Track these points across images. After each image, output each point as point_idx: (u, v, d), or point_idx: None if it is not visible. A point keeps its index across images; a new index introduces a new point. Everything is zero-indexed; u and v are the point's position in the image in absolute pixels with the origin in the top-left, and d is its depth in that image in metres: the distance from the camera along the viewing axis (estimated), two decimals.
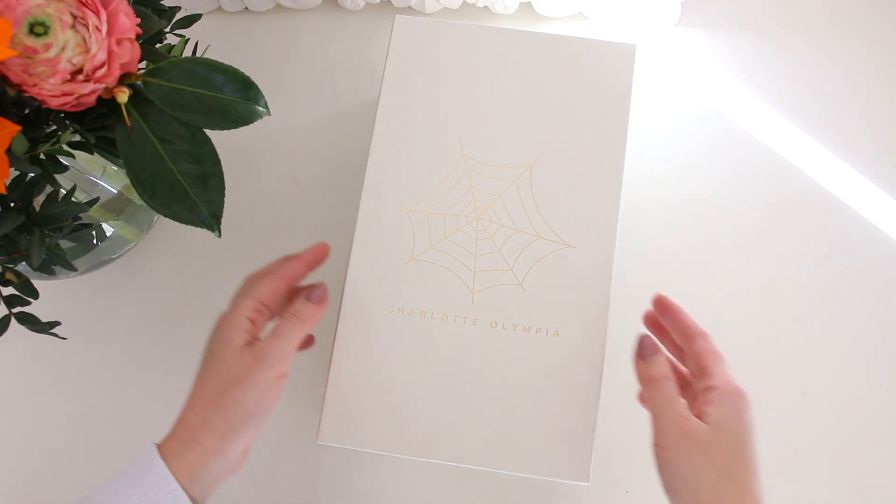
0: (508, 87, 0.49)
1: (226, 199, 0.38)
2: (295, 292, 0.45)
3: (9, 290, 0.41)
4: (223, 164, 0.38)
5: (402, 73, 0.49)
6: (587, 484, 0.42)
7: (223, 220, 0.38)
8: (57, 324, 0.42)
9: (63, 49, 0.32)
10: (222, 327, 0.42)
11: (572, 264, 0.45)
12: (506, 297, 0.45)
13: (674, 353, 0.44)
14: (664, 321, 0.43)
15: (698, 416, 0.37)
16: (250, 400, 0.39)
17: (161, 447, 0.39)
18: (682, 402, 0.39)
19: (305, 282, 0.46)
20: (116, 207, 0.54)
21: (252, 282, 0.44)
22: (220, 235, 0.38)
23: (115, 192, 0.53)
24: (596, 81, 0.48)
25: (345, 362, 0.45)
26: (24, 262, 0.40)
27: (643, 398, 0.43)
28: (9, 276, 0.40)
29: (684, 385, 0.42)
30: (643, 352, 0.41)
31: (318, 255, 0.45)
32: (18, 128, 0.32)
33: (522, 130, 0.48)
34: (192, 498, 0.38)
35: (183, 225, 0.37)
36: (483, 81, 0.49)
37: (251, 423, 0.39)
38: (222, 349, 0.41)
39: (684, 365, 0.43)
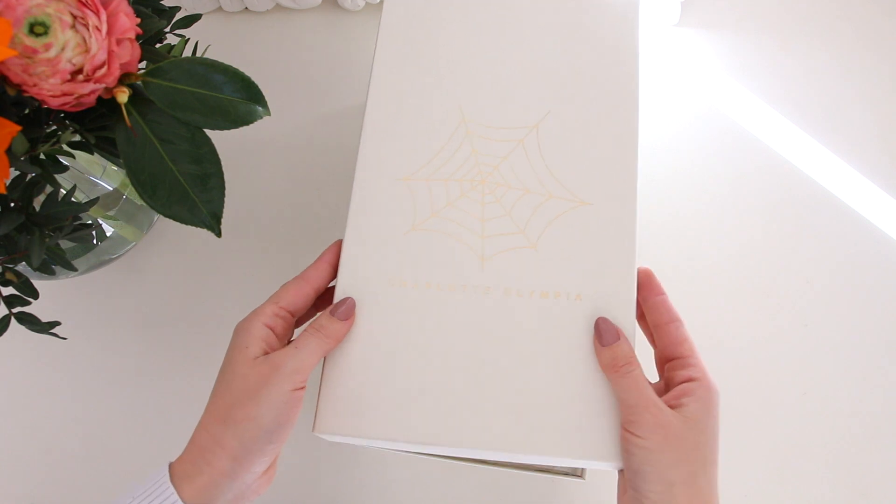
0: (507, 46, 0.46)
1: (226, 199, 0.38)
2: (324, 301, 0.43)
3: (9, 290, 0.41)
4: (223, 164, 0.38)
5: (396, 37, 0.47)
6: (619, 466, 0.38)
7: (223, 220, 0.38)
8: (57, 324, 0.42)
9: (63, 49, 0.32)
10: (237, 335, 0.39)
11: (590, 222, 0.41)
12: (519, 261, 0.41)
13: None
14: (642, 296, 0.41)
15: (674, 406, 0.37)
16: (265, 415, 0.36)
17: (173, 467, 0.37)
18: (650, 387, 0.38)
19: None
20: (110, 203, 0.54)
21: (280, 289, 0.41)
22: (220, 235, 0.38)
23: (116, 192, 0.53)
24: (599, 32, 0.46)
25: (344, 344, 0.41)
26: (24, 262, 0.40)
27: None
28: (9, 276, 0.40)
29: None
30: (603, 337, 0.39)
31: (339, 253, 0.42)
32: (18, 128, 0.32)
33: (525, 89, 0.45)
34: None
35: (183, 225, 0.37)
36: (481, 41, 0.46)
37: (267, 441, 0.36)
38: (235, 359, 0.38)
39: (652, 344, 0.42)
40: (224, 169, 0.38)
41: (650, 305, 0.41)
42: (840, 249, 0.57)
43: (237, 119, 0.37)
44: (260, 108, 0.37)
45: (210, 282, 0.59)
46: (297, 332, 0.41)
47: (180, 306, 0.58)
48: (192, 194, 0.37)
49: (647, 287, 0.41)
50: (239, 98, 0.37)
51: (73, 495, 0.55)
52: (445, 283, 0.41)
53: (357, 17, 0.64)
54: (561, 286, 0.41)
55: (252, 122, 0.37)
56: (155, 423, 0.56)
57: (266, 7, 0.64)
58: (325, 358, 0.41)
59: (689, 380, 0.38)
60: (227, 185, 0.38)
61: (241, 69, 0.37)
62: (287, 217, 0.60)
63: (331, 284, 0.43)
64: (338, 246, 0.43)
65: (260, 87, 0.37)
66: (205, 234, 0.38)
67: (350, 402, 0.40)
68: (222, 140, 0.38)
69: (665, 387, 0.40)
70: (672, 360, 0.39)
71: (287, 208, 0.60)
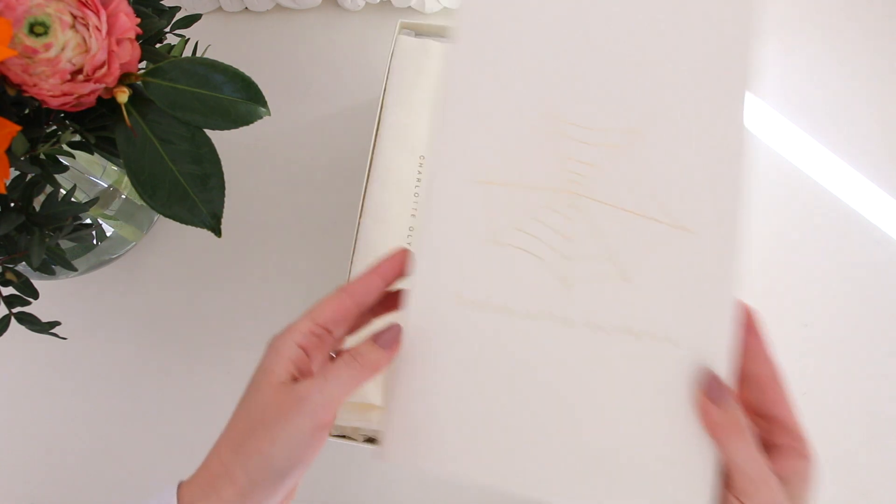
0: (605, 35, 0.40)
1: (226, 199, 0.38)
2: (366, 318, 0.39)
3: (9, 290, 0.41)
4: (223, 164, 0.38)
5: (476, 18, 0.40)
6: None
7: (223, 220, 0.38)
8: (57, 324, 0.42)
9: (63, 49, 0.32)
10: (267, 354, 0.35)
11: (690, 253, 0.36)
12: (606, 292, 0.36)
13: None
14: (741, 339, 0.37)
15: (779, 476, 0.34)
16: (278, 453, 0.32)
17: (182, 488, 0.34)
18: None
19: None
20: (107, 201, 0.54)
21: (319, 302, 0.37)
22: (220, 235, 0.38)
23: (113, 190, 0.53)
24: (711, 20, 0.39)
25: (413, 365, 0.36)
26: (24, 262, 0.40)
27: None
28: (9, 276, 0.40)
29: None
30: (714, 394, 0.35)
31: (398, 265, 0.37)
32: (18, 128, 0.32)
33: (626, 84, 0.39)
34: None
35: (183, 225, 0.37)
36: (574, 25, 0.40)
37: (279, 480, 0.33)
38: (259, 382, 0.34)
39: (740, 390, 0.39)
40: (224, 169, 0.38)
41: (750, 352, 0.37)
42: (840, 249, 0.57)
43: (237, 119, 0.37)
44: (260, 108, 0.37)
45: (210, 282, 0.58)
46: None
47: (180, 306, 0.58)
48: (192, 194, 0.37)
49: (747, 329, 0.37)
50: (239, 98, 0.37)
51: (73, 495, 0.55)
52: (523, 310, 0.37)
53: (357, 17, 0.64)
54: (652, 326, 0.36)
55: (252, 122, 0.37)
56: (154, 422, 0.56)
57: (266, 7, 0.64)
58: (393, 376, 0.37)
59: (801, 457, 0.35)
60: (227, 185, 0.38)
61: (241, 69, 0.37)
62: (287, 217, 0.60)
63: (394, 288, 0.39)
64: (398, 258, 0.37)
65: (260, 87, 0.37)
66: (205, 234, 0.38)
67: (419, 432, 0.36)
68: (222, 140, 0.38)
69: (760, 443, 0.37)
70: (773, 421, 0.36)
71: (287, 208, 0.60)
